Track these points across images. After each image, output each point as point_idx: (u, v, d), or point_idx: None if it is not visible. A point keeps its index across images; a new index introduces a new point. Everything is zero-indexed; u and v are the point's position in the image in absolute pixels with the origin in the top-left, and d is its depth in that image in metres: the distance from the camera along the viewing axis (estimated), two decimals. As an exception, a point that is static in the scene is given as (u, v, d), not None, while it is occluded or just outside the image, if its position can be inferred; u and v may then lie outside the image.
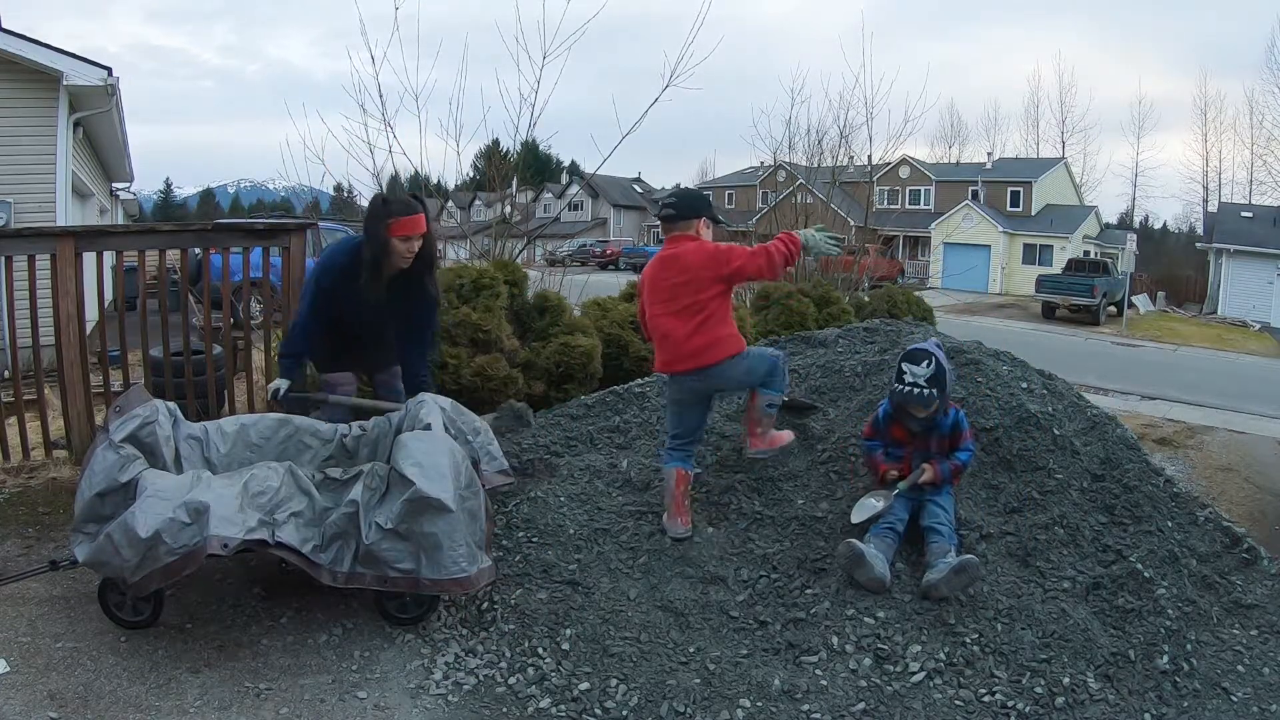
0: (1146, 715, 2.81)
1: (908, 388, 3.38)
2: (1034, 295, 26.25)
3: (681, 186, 3.78)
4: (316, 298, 3.59)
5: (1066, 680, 2.88)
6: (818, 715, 2.77)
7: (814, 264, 10.18)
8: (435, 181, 7.90)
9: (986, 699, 2.82)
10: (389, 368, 3.93)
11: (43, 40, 8.17)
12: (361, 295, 3.50)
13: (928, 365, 3.38)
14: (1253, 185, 40.28)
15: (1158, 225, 51.78)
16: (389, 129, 6.34)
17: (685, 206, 3.54)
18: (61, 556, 3.19)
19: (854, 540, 3.22)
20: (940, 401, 3.42)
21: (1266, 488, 6.39)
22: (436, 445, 2.95)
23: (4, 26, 8.14)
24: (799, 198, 11.56)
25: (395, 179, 7.05)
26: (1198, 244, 33.10)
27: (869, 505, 3.37)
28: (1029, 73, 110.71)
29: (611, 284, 7.24)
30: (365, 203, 3.87)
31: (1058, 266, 29.22)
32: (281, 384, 3.68)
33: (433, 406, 3.39)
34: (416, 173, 7.25)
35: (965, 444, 3.48)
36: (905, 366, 3.43)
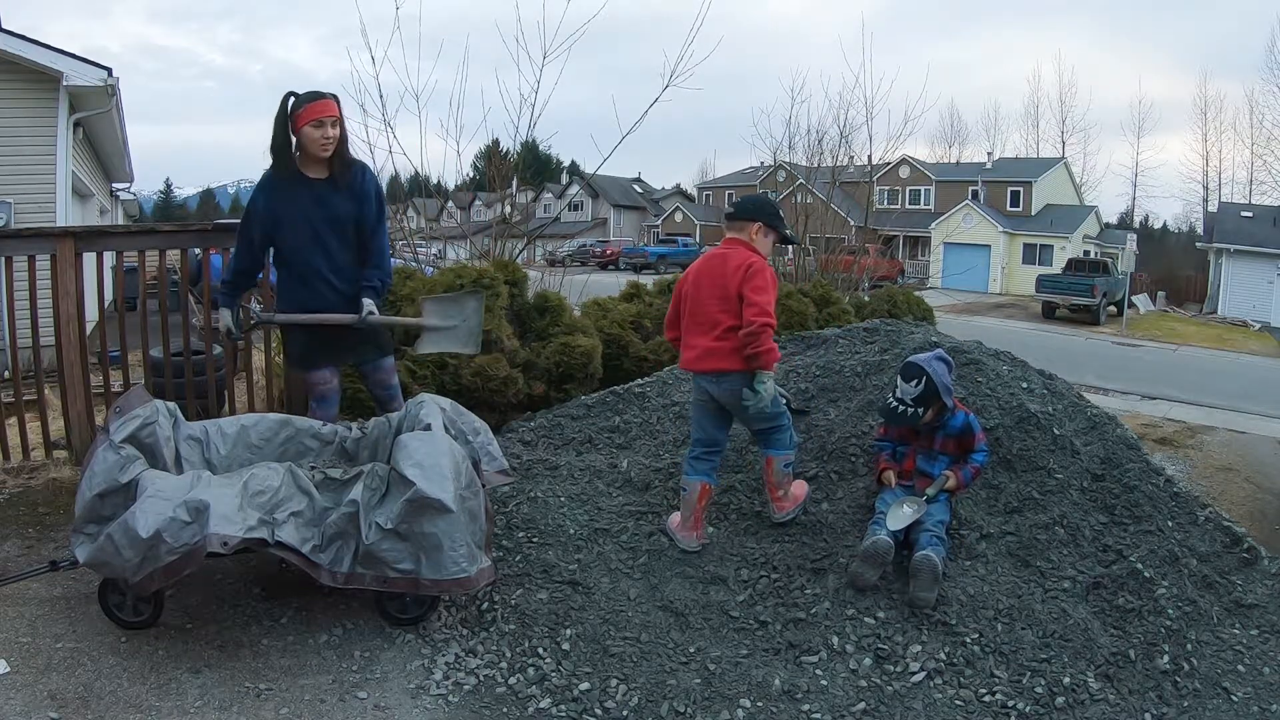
0: (1147, 715, 2.81)
1: (894, 403, 3.45)
2: (1034, 295, 26.26)
3: (748, 196, 3.79)
4: (249, 221, 3.47)
5: (1067, 680, 2.88)
6: (818, 715, 2.77)
7: (814, 264, 10.19)
8: (435, 181, 7.90)
9: (987, 699, 2.82)
10: (377, 358, 3.72)
11: (43, 40, 8.18)
12: (291, 205, 3.40)
13: (917, 384, 3.39)
14: (1253, 185, 40.36)
15: (1158, 225, 51.87)
16: (389, 129, 6.35)
17: (744, 208, 3.55)
18: (62, 557, 3.19)
19: (884, 538, 3.19)
20: (934, 412, 3.44)
21: (1266, 488, 6.39)
22: (437, 446, 2.95)
23: (4, 27, 8.14)
24: (799, 198, 11.56)
25: (395, 179, 7.05)
26: (1198, 244, 33.09)
27: (905, 514, 3.34)
28: (1029, 73, 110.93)
29: (611, 284, 7.23)
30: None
31: (1058, 266, 29.22)
32: (224, 320, 3.54)
33: (432, 407, 3.39)
34: (416, 172, 7.26)
35: (979, 445, 3.51)
36: (898, 380, 3.47)
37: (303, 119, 3.34)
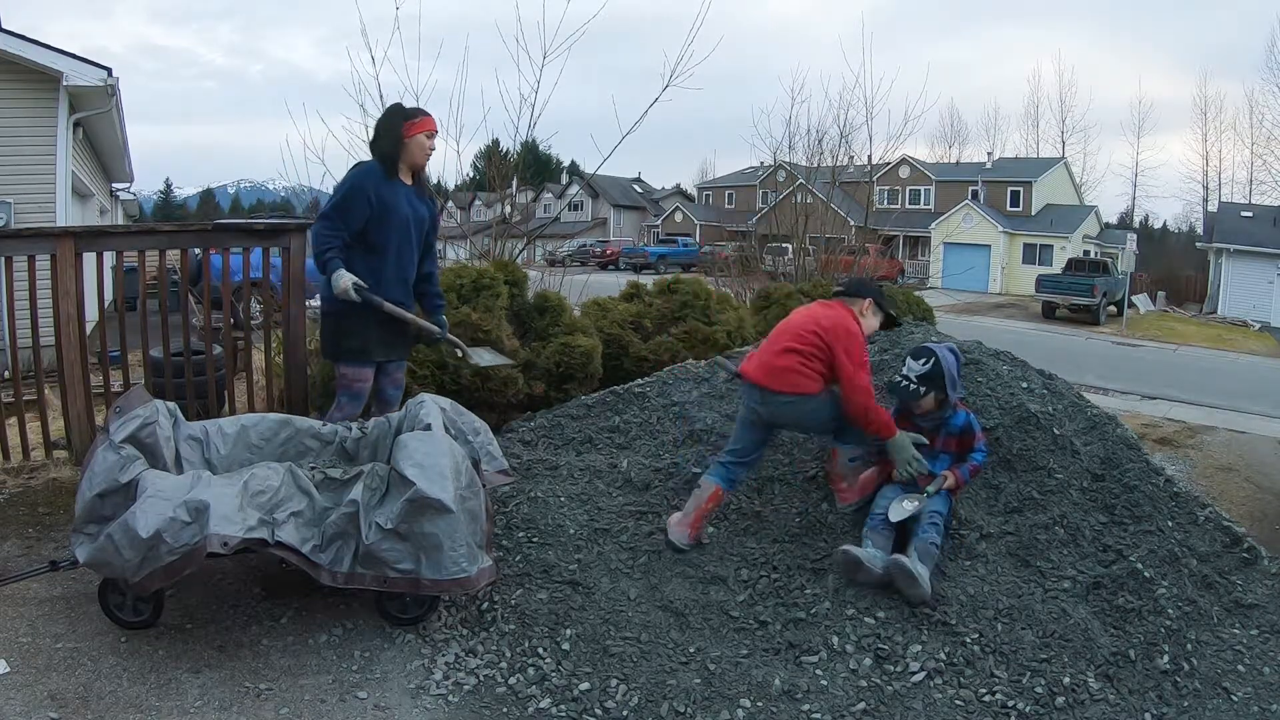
0: (1147, 715, 2.81)
1: (899, 378, 3.54)
2: (1034, 295, 26.25)
3: (856, 277, 4.17)
4: (356, 200, 3.55)
5: (1067, 680, 2.88)
6: (818, 715, 2.77)
7: (814, 264, 10.18)
8: (435, 181, 7.90)
9: (987, 699, 2.82)
10: (405, 358, 4.01)
11: (43, 40, 8.17)
12: (395, 199, 3.64)
13: (925, 363, 3.48)
14: (1253, 185, 40.40)
15: (1158, 225, 51.93)
16: (389, 129, 6.33)
17: (854, 286, 3.75)
18: (62, 557, 3.20)
19: (849, 547, 3.25)
20: (935, 399, 3.49)
21: (1267, 487, 6.39)
22: (437, 446, 2.95)
23: (4, 27, 8.14)
24: (799, 198, 11.54)
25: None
26: (1198, 244, 33.08)
27: (905, 509, 3.36)
28: (1029, 73, 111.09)
29: (611, 284, 7.23)
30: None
31: (1058, 266, 29.22)
32: (349, 277, 3.49)
33: (432, 407, 3.39)
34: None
35: (979, 445, 3.54)
36: (907, 359, 3.57)
37: (418, 128, 3.66)
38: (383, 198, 3.61)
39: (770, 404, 3.43)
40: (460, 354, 4.09)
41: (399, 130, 3.62)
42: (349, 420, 3.67)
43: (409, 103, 4.20)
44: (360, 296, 3.51)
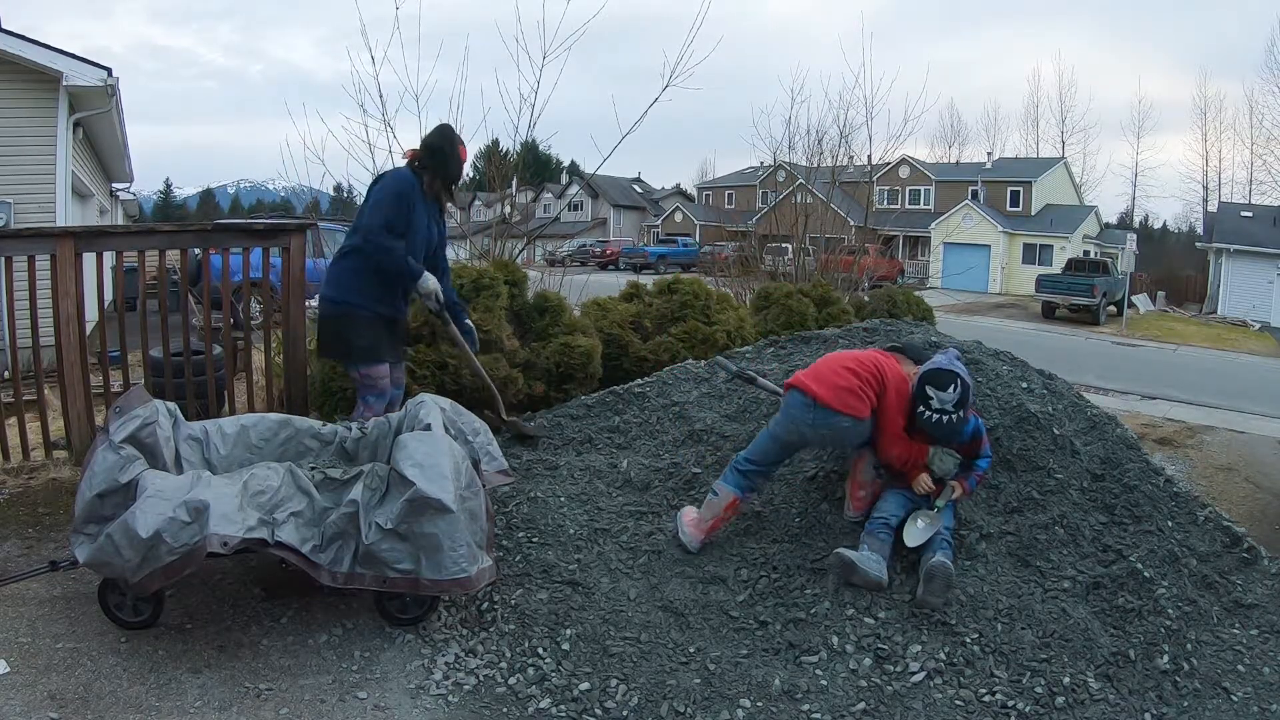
0: (1146, 715, 2.81)
1: (935, 415, 3.27)
2: (1034, 295, 26.25)
3: (912, 342, 4.33)
4: (411, 200, 3.69)
5: (1067, 680, 2.88)
6: (818, 715, 2.77)
7: (814, 264, 10.18)
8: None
9: (986, 699, 2.82)
10: (401, 358, 4.10)
11: (43, 40, 8.17)
12: (423, 210, 3.78)
13: (955, 389, 3.25)
14: (1252, 185, 40.42)
15: (1158, 225, 51.96)
16: (389, 129, 6.34)
17: (912, 351, 3.81)
18: (62, 557, 3.20)
19: (842, 550, 3.25)
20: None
21: (1267, 487, 6.39)
22: (437, 446, 2.95)
23: (4, 27, 8.14)
24: (799, 198, 11.54)
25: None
26: (1198, 244, 33.09)
27: (921, 529, 3.31)
28: (1029, 73, 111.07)
29: (611, 284, 7.23)
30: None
31: (1058, 266, 29.22)
32: (436, 284, 3.77)
33: (432, 407, 3.39)
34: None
35: (984, 450, 3.50)
36: (931, 391, 3.28)
37: (464, 154, 3.88)
38: (416, 210, 3.73)
39: (824, 424, 3.34)
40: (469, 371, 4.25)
41: (460, 155, 3.82)
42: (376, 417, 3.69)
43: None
44: (440, 306, 3.83)
